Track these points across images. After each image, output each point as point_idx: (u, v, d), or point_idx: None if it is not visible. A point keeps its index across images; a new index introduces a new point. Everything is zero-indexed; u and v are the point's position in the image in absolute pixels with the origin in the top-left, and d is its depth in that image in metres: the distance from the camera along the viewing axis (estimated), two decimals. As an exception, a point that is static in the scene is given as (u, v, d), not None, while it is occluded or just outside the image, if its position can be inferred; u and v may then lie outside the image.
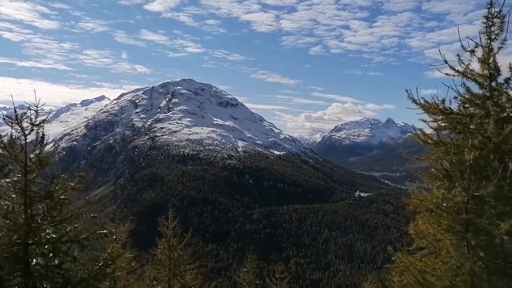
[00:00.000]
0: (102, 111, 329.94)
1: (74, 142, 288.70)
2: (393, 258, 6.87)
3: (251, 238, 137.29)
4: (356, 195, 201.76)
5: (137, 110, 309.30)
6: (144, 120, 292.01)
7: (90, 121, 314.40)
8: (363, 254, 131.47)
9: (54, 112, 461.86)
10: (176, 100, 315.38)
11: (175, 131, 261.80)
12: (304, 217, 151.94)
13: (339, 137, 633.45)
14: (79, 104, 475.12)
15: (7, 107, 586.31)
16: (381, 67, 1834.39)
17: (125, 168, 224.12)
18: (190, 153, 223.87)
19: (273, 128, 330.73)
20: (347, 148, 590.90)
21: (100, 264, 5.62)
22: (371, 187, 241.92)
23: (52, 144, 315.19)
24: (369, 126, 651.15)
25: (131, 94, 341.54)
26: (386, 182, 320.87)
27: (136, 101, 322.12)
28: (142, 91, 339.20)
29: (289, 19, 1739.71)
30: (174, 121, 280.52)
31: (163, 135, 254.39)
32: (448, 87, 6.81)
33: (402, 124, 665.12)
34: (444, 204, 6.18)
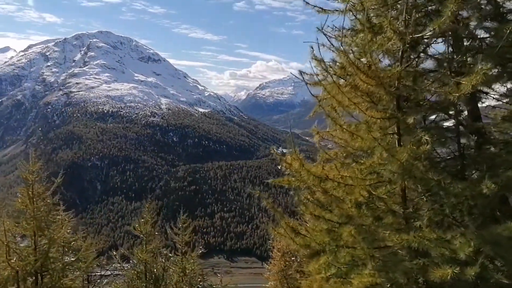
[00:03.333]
0: (7, 63, 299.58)
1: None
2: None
3: (176, 195, 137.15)
4: (279, 151, 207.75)
5: (49, 64, 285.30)
6: (57, 74, 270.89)
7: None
8: (284, 206, 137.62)
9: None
10: (92, 53, 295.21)
11: (92, 87, 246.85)
12: (229, 173, 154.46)
13: (264, 95, 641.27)
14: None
15: None
16: (304, 26, 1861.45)
17: (37, 126, 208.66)
18: (110, 110, 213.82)
19: (197, 85, 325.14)
20: (271, 106, 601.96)
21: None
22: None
23: None
24: (292, 84, 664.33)
25: (40, 46, 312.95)
26: (307, 138, 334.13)
27: (47, 54, 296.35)
28: (53, 43, 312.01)
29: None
30: (91, 76, 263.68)
31: (79, 91, 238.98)
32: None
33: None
34: (364, 60, 4.43)
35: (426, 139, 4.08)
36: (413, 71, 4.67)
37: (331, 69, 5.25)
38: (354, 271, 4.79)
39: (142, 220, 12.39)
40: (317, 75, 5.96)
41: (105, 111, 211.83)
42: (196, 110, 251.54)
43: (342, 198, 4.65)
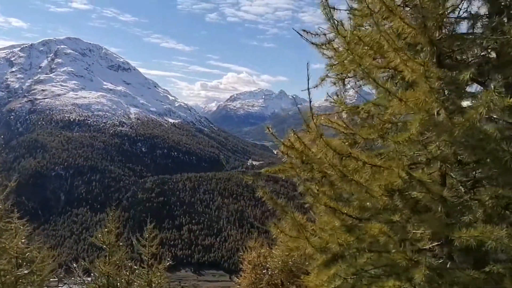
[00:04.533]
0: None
1: None
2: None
3: (143, 206, 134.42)
4: (248, 163, 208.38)
5: (13, 69, 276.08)
6: (22, 80, 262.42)
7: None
8: (253, 219, 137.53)
9: None
10: (60, 60, 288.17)
11: (59, 94, 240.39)
12: (198, 185, 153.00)
13: (234, 106, 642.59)
14: None
15: None
16: (276, 39, 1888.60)
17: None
18: (77, 118, 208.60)
19: (167, 95, 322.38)
20: (242, 118, 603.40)
21: None
22: (262, 156, 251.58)
23: None
24: (263, 97, 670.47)
25: (5, 51, 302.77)
26: (276, 151, 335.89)
27: (12, 59, 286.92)
28: (18, 48, 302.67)
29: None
30: (57, 83, 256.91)
31: (45, 98, 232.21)
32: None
33: (294, 96, 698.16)
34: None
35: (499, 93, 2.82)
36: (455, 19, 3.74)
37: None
38: (380, 282, 3.67)
39: (106, 230, 11.67)
40: (325, 34, 4.74)
41: (72, 120, 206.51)
42: (166, 120, 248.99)
43: (366, 185, 3.48)
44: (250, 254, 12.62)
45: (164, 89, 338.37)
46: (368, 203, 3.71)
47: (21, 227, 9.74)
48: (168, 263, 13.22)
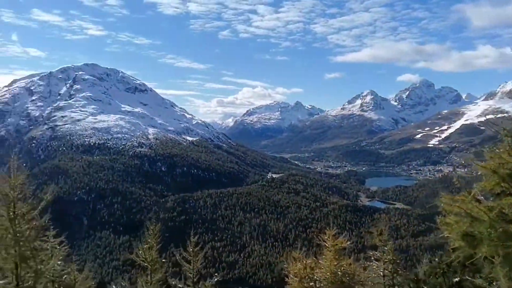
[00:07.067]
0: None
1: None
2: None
3: (166, 226, 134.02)
4: (268, 177, 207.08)
5: (33, 98, 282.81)
6: (42, 108, 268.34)
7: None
8: (276, 233, 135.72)
9: None
10: (78, 86, 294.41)
11: (78, 120, 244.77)
12: (219, 201, 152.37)
13: (251, 121, 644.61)
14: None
15: None
16: (288, 52, 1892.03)
17: (21, 162, 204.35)
18: (97, 142, 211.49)
19: (185, 113, 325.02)
20: (259, 132, 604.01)
21: None
22: (282, 168, 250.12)
23: None
24: (279, 109, 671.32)
25: (25, 80, 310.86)
26: (296, 162, 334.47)
27: (32, 88, 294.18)
28: (38, 77, 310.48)
29: (197, 1, 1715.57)
30: (77, 109, 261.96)
31: (65, 124, 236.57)
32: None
33: (310, 107, 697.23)
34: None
35: None
36: None
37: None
38: None
39: (147, 245, 10.94)
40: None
41: (92, 144, 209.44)
42: (184, 138, 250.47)
43: None
44: (295, 265, 11.52)
45: (181, 108, 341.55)
46: None
47: (57, 247, 9.08)
48: (216, 279, 12.39)
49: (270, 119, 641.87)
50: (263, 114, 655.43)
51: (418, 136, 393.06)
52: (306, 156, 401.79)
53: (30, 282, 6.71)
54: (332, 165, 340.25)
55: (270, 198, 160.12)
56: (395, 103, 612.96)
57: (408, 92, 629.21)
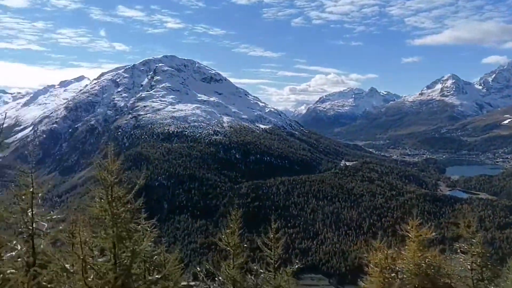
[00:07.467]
0: (82, 91, 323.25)
1: (54, 125, 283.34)
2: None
3: (239, 212, 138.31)
4: (341, 165, 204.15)
5: (119, 89, 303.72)
6: (126, 99, 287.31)
7: (70, 102, 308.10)
8: (349, 221, 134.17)
9: (32, 95, 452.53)
10: (158, 77, 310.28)
11: (158, 109, 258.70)
12: (292, 188, 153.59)
13: (324, 108, 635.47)
14: (58, 85, 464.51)
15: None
16: (363, 37, 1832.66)
17: (105, 151, 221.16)
18: (175, 130, 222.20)
19: (258, 102, 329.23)
20: (332, 119, 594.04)
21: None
22: (356, 156, 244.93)
23: (31, 127, 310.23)
24: (353, 96, 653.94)
25: (111, 73, 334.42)
26: (371, 150, 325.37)
27: (117, 80, 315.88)
28: (123, 70, 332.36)
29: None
30: (157, 99, 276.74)
31: (147, 114, 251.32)
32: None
33: (385, 93, 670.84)
34: None
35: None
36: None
37: None
38: None
39: (229, 230, 11.04)
40: None
41: (171, 132, 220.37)
42: (258, 126, 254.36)
43: None
44: (375, 255, 11.32)
45: (254, 97, 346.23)
46: None
47: (148, 229, 9.34)
48: (296, 266, 12.17)
49: (344, 106, 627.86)
50: (336, 101, 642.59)
51: (506, 122, 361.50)
52: (381, 143, 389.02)
53: (126, 261, 7.18)
54: (409, 153, 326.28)
55: (344, 186, 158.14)
56: (480, 87, 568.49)
57: (494, 75, 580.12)
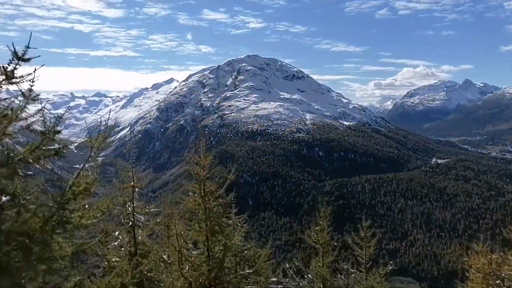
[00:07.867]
0: (171, 93, 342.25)
1: (148, 125, 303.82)
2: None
3: (329, 209, 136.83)
4: (432, 162, 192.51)
5: (205, 90, 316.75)
6: (212, 99, 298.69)
7: (162, 103, 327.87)
8: (442, 222, 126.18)
9: (128, 98, 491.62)
10: (242, 77, 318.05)
11: (242, 108, 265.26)
12: (378, 187, 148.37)
13: (412, 103, 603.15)
14: (150, 88, 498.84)
15: (85, 95, 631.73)
16: (455, 25, 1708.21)
17: (197, 147, 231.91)
18: (259, 128, 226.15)
19: (341, 98, 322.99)
20: (421, 114, 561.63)
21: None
22: (448, 153, 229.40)
23: (128, 128, 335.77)
24: (445, 89, 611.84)
25: (198, 75, 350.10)
26: (465, 147, 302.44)
27: (203, 81, 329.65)
28: (208, 71, 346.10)
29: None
30: (241, 98, 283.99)
31: (231, 113, 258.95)
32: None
33: (482, 85, 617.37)
34: None
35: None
36: None
37: None
38: None
39: (318, 227, 10.87)
40: None
41: (254, 130, 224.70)
42: (341, 123, 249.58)
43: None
44: (477, 260, 10.44)
45: (337, 93, 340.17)
46: None
47: (238, 224, 9.46)
48: (390, 267, 11.67)
49: (434, 100, 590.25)
50: (425, 95, 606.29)
51: None
52: (477, 139, 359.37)
53: (219, 254, 7.34)
54: (510, 150, 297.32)
55: (435, 185, 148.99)
56: None
57: None
